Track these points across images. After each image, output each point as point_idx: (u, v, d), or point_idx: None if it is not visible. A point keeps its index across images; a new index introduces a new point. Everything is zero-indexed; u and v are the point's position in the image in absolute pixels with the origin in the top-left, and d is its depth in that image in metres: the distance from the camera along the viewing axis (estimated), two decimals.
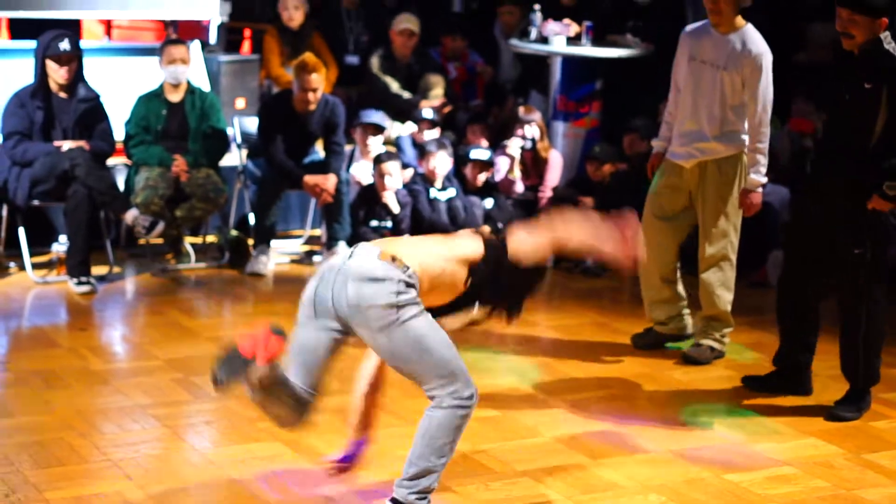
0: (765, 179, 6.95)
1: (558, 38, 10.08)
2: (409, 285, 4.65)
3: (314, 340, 4.76)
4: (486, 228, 5.05)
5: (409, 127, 10.26)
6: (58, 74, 8.35)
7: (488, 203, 9.63)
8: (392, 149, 9.83)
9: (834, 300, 6.41)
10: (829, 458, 5.79)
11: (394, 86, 10.60)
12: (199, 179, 8.78)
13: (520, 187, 9.86)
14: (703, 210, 7.10)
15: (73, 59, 8.38)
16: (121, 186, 8.71)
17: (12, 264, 8.59)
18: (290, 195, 9.67)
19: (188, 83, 8.95)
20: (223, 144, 9.06)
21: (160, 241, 8.87)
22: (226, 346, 4.54)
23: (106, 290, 8.31)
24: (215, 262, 9.06)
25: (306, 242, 9.75)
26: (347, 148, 9.52)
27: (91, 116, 8.51)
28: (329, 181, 8.94)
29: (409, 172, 9.51)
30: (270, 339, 4.51)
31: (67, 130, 8.45)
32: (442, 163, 9.46)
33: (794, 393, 6.61)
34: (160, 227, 8.43)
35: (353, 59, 11.14)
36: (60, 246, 8.42)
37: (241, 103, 10.12)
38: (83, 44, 8.65)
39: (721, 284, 7.17)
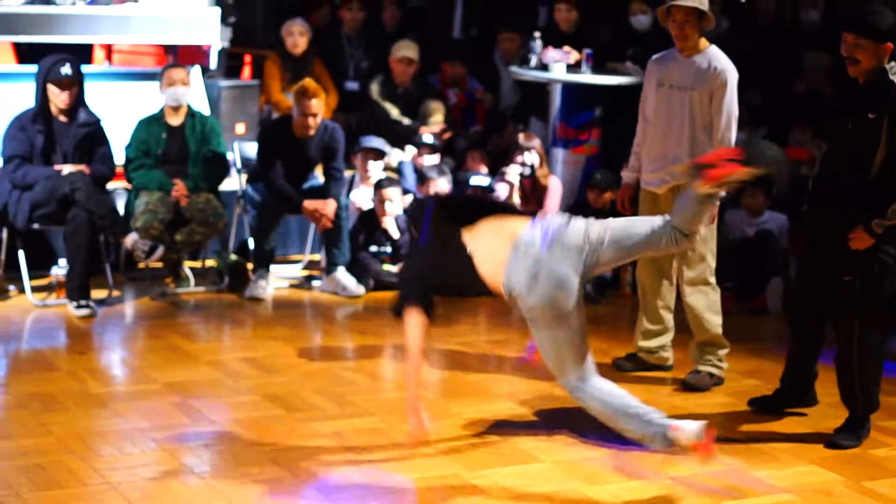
0: (723, 193, 7.00)
1: (558, 66, 10.10)
2: None
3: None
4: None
5: (410, 152, 10.28)
6: (59, 99, 8.37)
7: None
8: (393, 175, 9.85)
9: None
10: (828, 486, 5.78)
11: (393, 112, 10.63)
12: (198, 204, 8.79)
13: None
14: None
15: (75, 84, 8.40)
16: (121, 210, 8.72)
17: (12, 287, 8.59)
18: (290, 220, 9.68)
19: (188, 107, 8.97)
20: (223, 169, 9.07)
21: (160, 265, 8.87)
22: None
23: (105, 313, 8.31)
24: (214, 287, 9.06)
25: (305, 267, 9.75)
26: (347, 174, 9.53)
27: (91, 140, 8.53)
28: (328, 206, 8.95)
29: (409, 198, 9.52)
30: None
31: (68, 154, 8.46)
32: (441, 189, 9.47)
33: (801, 405, 6.68)
34: (160, 251, 8.44)
35: (353, 85, 11.17)
36: (60, 269, 8.42)
37: (240, 128, 10.13)
38: (84, 68, 8.67)
39: (707, 308, 7.18)
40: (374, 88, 10.74)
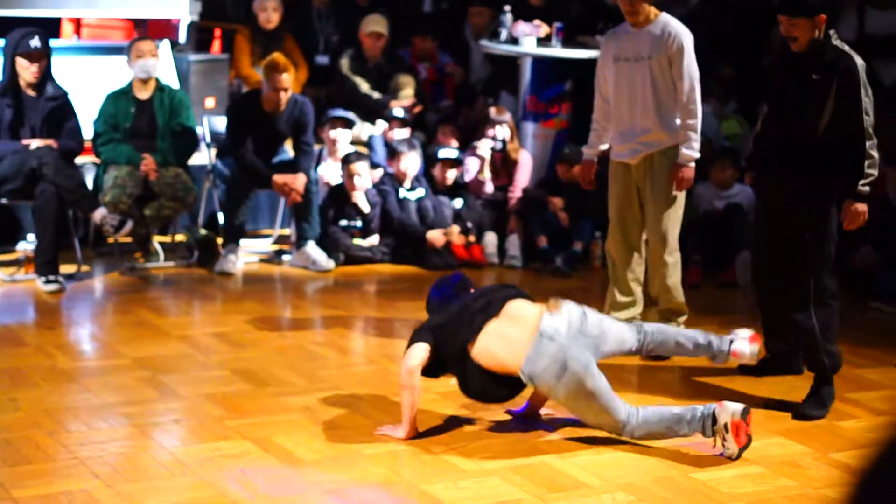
0: (697, 154, 7.16)
1: (528, 39, 10.09)
2: None
3: None
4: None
5: (381, 126, 10.26)
6: (28, 72, 8.32)
7: (458, 203, 9.65)
8: (362, 149, 9.83)
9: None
10: (795, 457, 5.81)
11: (364, 86, 10.60)
12: (168, 178, 8.76)
13: (489, 188, 9.87)
14: (651, 200, 7.21)
15: (44, 57, 8.36)
16: (89, 185, 8.68)
17: None
18: (260, 195, 9.66)
19: (157, 81, 8.93)
20: (192, 143, 9.04)
21: (129, 239, 8.84)
22: None
23: (74, 288, 8.28)
24: (184, 261, 9.04)
25: (275, 242, 9.74)
26: (317, 148, 9.51)
27: (59, 115, 8.48)
28: (298, 181, 8.93)
29: (379, 172, 9.51)
30: None
31: (36, 129, 8.42)
32: (411, 163, 9.47)
33: (786, 373, 6.89)
34: (129, 225, 8.41)
35: (323, 60, 11.14)
36: (28, 244, 8.39)
37: (210, 102, 10.10)
38: (53, 42, 8.62)
39: (672, 274, 7.26)
40: (345, 63, 10.72)
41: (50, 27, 9.51)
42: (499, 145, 9.87)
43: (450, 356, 5.67)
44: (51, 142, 8.35)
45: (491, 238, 9.59)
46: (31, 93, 8.41)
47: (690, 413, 5.72)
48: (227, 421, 5.91)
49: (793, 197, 6.36)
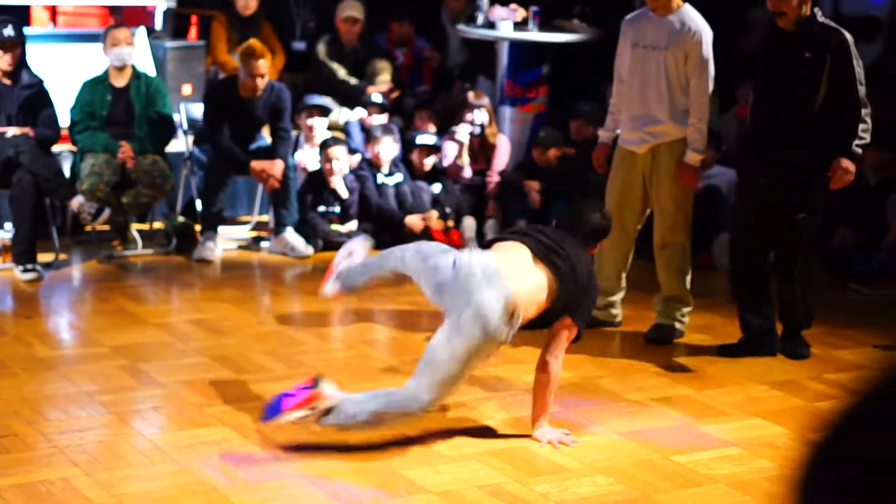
0: (703, 155, 7.10)
1: (505, 23, 10.09)
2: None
3: None
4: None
5: (358, 112, 10.25)
6: (2, 61, 8.29)
7: (436, 188, 9.64)
8: (339, 134, 9.82)
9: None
10: (774, 439, 5.83)
11: (340, 72, 10.59)
12: (145, 166, 8.74)
13: (468, 172, 9.87)
14: (657, 193, 7.15)
15: (17, 46, 8.33)
16: (66, 173, 8.65)
17: None
18: (238, 181, 9.64)
19: (133, 68, 8.89)
20: (169, 130, 9.02)
21: (106, 227, 8.81)
22: None
23: (52, 277, 8.26)
24: (162, 249, 9.02)
25: (254, 228, 9.73)
26: (294, 134, 9.50)
27: (35, 103, 8.45)
28: (276, 167, 8.92)
29: (357, 158, 9.50)
30: None
31: (11, 117, 8.39)
32: (387, 148, 9.46)
33: (763, 355, 6.94)
34: (106, 213, 8.38)
35: (300, 46, 11.12)
36: (5, 233, 8.37)
37: (187, 89, 10.07)
38: (27, 30, 8.58)
39: (678, 265, 7.24)
40: (321, 49, 10.69)
41: (22, 15, 9.47)
42: (477, 130, 9.86)
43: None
44: (27, 130, 8.32)
45: (469, 222, 9.59)
46: (6, 81, 8.38)
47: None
48: (207, 408, 5.90)
49: (789, 175, 6.49)
